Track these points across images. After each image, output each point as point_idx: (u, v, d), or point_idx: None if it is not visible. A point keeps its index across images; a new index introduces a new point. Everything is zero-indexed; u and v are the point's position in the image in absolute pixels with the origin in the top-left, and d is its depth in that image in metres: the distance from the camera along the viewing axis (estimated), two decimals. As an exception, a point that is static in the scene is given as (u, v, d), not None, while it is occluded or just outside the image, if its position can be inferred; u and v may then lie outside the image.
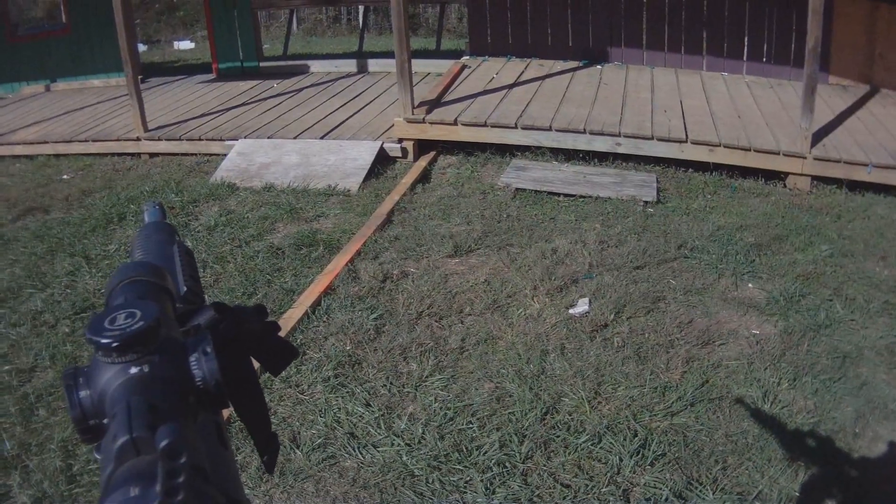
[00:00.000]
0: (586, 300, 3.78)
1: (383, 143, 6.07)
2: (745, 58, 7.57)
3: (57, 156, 6.83)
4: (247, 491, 2.59)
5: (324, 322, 3.64)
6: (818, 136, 5.57)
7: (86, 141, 6.82)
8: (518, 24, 8.13)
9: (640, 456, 2.69)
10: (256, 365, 0.70)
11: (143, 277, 0.64)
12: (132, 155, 6.71)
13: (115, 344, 0.52)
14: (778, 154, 5.43)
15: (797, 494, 2.53)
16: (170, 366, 0.54)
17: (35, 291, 4.15)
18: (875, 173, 5.26)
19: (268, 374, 2.84)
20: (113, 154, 6.74)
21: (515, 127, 5.88)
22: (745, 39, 7.53)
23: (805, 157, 5.39)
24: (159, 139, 6.62)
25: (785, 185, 5.51)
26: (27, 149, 6.95)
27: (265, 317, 0.70)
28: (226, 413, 0.66)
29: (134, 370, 0.52)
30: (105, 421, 0.52)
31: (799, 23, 6.81)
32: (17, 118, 7.86)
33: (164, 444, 0.43)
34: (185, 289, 0.69)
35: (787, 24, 7.24)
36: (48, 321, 3.83)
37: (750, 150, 5.47)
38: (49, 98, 8.88)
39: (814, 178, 5.45)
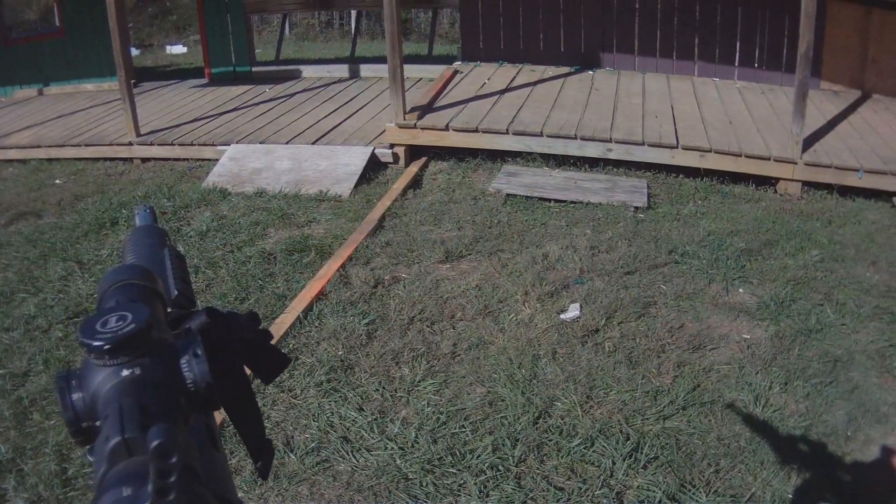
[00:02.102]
0: (577, 305, 3.79)
1: (375, 148, 6.08)
2: (736, 63, 7.61)
3: (50, 160, 6.81)
4: (241, 495, 2.59)
5: (316, 327, 3.64)
6: (809, 142, 5.61)
7: (78, 145, 6.80)
8: (510, 29, 8.16)
9: (632, 459, 2.71)
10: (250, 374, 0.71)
11: (134, 280, 0.64)
12: (124, 160, 6.70)
13: (106, 346, 0.52)
14: (769, 159, 5.46)
15: (790, 497, 2.55)
16: (161, 368, 0.54)
17: (28, 296, 4.14)
18: (866, 178, 5.29)
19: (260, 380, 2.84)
20: (105, 159, 6.72)
21: (507, 132, 5.90)
22: (737, 45, 7.58)
23: (796, 163, 5.42)
24: (151, 144, 6.61)
25: (776, 191, 5.54)
26: (20, 153, 6.93)
27: (258, 324, 0.71)
28: (220, 418, 0.66)
29: (126, 372, 0.53)
30: (98, 423, 0.52)
31: (791, 28, 6.84)
32: (10, 122, 7.83)
33: (155, 444, 0.44)
34: (175, 292, 0.70)
35: (780, 29, 7.28)
36: (41, 326, 3.81)
37: (741, 155, 5.50)
38: (42, 102, 8.85)
39: (805, 183, 5.48)
